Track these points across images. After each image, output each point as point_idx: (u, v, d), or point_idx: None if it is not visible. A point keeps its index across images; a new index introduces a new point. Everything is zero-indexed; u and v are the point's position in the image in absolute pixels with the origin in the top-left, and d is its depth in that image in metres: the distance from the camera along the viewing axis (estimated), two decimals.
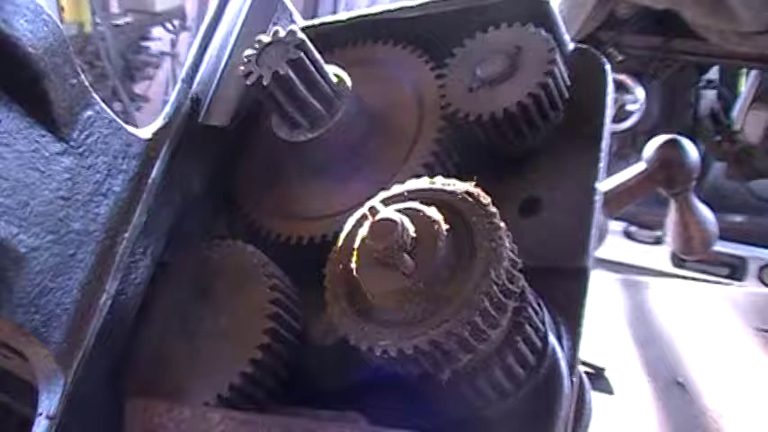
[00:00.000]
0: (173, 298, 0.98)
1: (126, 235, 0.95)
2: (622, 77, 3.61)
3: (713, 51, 3.42)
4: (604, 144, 1.03)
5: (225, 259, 0.98)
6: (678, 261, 3.60)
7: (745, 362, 1.88)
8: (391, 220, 0.74)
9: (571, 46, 1.08)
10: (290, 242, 1.04)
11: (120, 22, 6.10)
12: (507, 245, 0.77)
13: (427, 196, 0.81)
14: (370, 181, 1.00)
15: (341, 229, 0.85)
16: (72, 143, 0.90)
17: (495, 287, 0.75)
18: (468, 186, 0.81)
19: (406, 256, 0.74)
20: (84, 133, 0.92)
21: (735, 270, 3.61)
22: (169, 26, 6.45)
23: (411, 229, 0.75)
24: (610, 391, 1.78)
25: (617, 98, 3.60)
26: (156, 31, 6.50)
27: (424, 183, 0.83)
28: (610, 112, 1.05)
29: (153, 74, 6.45)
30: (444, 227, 0.77)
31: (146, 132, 1.00)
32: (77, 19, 5.70)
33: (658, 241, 3.67)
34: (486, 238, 0.77)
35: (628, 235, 3.76)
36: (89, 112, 0.92)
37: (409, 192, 0.83)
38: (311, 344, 0.95)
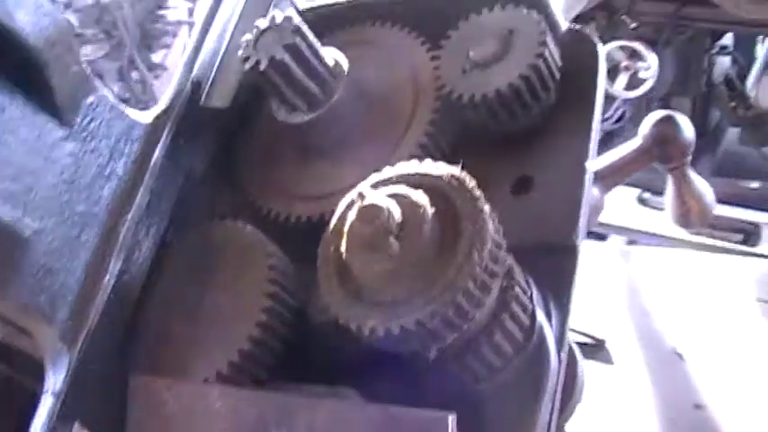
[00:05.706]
0: (175, 277, 1.01)
1: (129, 216, 0.98)
2: (636, 44, 3.59)
3: (726, 18, 3.40)
4: (596, 123, 1.05)
5: (226, 239, 1.01)
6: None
7: (745, 333, 1.90)
8: (378, 206, 0.77)
9: (564, 26, 1.09)
10: (289, 221, 1.07)
11: None
12: (491, 227, 0.80)
13: (415, 180, 0.84)
14: (367, 161, 1.02)
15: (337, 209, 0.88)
16: (75, 128, 0.92)
17: (478, 268, 0.77)
18: (455, 170, 0.83)
19: (391, 239, 0.77)
20: (87, 118, 0.94)
21: (748, 236, 3.59)
22: None
23: (397, 213, 0.78)
24: (610, 362, 1.80)
25: (630, 65, 3.60)
26: (173, 0, 6.49)
27: (412, 166, 0.86)
28: (601, 92, 1.07)
29: (170, 42, 6.43)
30: (430, 211, 0.79)
31: (147, 116, 1.02)
32: None
33: None
34: (471, 220, 0.79)
35: (642, 201, 3.75)
36: (91, 98, 0.95)
37: (398, 176, 0.85)
38: (309, 321, 0.98)
